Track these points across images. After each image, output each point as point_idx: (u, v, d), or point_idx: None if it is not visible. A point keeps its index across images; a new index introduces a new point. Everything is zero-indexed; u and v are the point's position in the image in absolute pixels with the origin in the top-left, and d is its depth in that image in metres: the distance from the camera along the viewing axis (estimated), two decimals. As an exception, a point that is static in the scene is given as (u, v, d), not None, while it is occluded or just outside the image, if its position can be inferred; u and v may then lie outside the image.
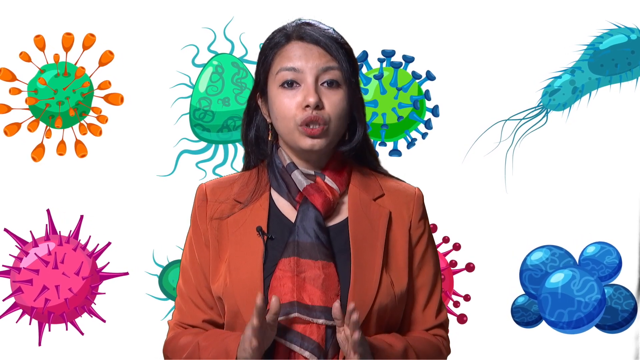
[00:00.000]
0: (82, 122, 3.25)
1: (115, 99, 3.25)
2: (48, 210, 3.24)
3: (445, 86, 3.28)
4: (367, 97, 3.24)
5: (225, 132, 3.27)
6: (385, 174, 2.02)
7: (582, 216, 3.26)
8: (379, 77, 3.28)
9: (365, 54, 3.27)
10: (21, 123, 3.24)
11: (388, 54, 3.27)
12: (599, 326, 3.27)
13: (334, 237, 1.88)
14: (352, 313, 1.72)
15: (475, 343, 3.24)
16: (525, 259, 3.28)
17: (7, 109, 3.23)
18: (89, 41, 3.23)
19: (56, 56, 3.23)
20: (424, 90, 3.29)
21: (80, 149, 3.24)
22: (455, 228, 3.27)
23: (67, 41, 3.23)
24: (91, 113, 3.25)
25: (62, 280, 3.22)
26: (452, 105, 3.28)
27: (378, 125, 3.28)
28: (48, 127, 3.24)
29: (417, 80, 3.29)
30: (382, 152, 3.25)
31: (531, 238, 3.28)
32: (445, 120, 3.29)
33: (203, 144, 3.27)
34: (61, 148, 3.24)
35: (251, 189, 1.94)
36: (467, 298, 3.28)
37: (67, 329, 3.23)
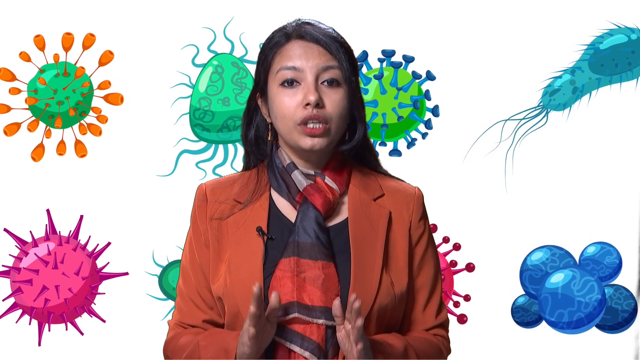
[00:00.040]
0: (82, 122, 3.25)
1: (115, 99, 3.25)
2: (48, 210, 3.23)
3: (445, 86, 3.28)
4: (367, 97, 3.24)
5: (225, 132, 3.26)
6: (385, 174, 2.02)
7: (582, 216, 3.26)
8: (379, 77, 3.27)
9: (365, 54, 3.26)
10: (21, 123, 3.24)
11: (388, 54, 3.27)
12: (599, 326, 3.27)
13: (334, 237, 1.88)
14: (355, 302, 1.72)
15: (476, 343, 3.24)
16: (525, 259, 3.28)
17: (7, 108, 3.23)
18: (88, 41, 3.23)
19: (56, 56, 3.23)
20: (424, 90, 3.29)
21: (80, 149, 3.24)
22: (455, 228, 3.26)
23: (67, 41, 3.22)
24: (91, 113, 3.25)
25: (62, 281, 3.22)
26: (452, 105, 3.28)
27: (378, 125, 3.28)
28: (48, 127, 3.24)
29: (417, 80, 3.29)
30: (382, 152, 3.25)
31: (531, 238, 3.28)
32: (446, 120, 3.29)
33: (203, 144, 3.27)
34: (61, 148, 3.24)
35: (251, 189, 1.93)
36: (467, 298, 3.27)
37: (67, 329, 3.23)
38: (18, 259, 3.22)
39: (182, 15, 3.24)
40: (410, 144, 3.29)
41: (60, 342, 3.23)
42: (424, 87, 3.29)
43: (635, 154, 3.26)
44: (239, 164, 3.21)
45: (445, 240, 3.27)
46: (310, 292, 1.81)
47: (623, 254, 3.27)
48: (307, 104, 1.85)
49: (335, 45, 1.89)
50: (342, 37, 1.92)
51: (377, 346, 1.81)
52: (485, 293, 3.27)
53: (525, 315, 3.28)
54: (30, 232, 3.23)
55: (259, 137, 1.98)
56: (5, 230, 3.22)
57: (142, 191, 3.23)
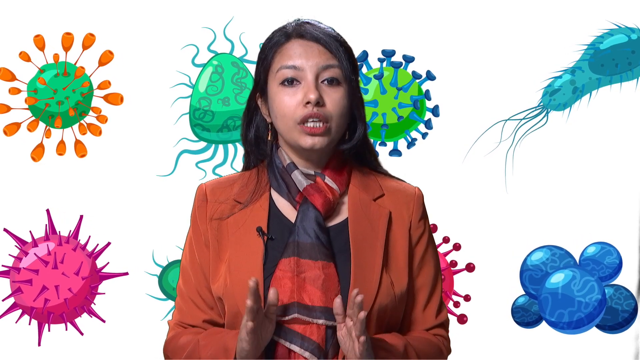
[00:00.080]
0: (82, 122, 3.25)
1: (115, 99, 3.24)
2: (48, 210, 3.23)
3: (445, 86, 3.28)
4: (367, 97, 3.24)
5: (225, 132, 3.26)
6: (385, 174, 2.01)
7: (582, 216, 3.26)
8: (379, 77, 3.27)
9: (365, 54, 3.26)
10: (21, 123, 3.23)
11: (388, 53, 3.27)
12: (599, 326, 3.27)
13: (334, 238, 1.88)
14: (357, 296, 1.72)
15: (476, 343, 3.24)
16: (525, 259, 3.28)
17: (6, 108, 3.22)
18: (88, 41, 3.23)
19: (56, 56, 3.23)
20: (424, 90, 3.29)
21: (80, 149, 3.24)
22: (456, 228, 3.26)
23: (67, 41, 3.22)
24: (91, 113, 3.25)
25: (62, 281, 3.22)
26: (452, 105, 3.28)
27: (378, 125, 3.28)
28: (48, 127, 3.24)
29: (417, 80, 3.29)
30: (382, 152, 3.24)
31: (531, 238, 3.27)
32: (446, 120, 3.28)
33: (203, 144, 3.27)
34: (61, 148, 3.24)
35: (251, 190, 1.93)
36: (467, 298, 3.27)
37: (66, 329, 3.23)
38: (18, 259, 3.22)
39: (182, 15, 3.24)
40: (410, 144, 3.29)
41: (60, 342, 3.23)
42: (424, 87, 3.29)
43: (635, 154, 3.26)
44: (239, 164, 3.21)
45: (446, 240, 3.26)
46: (310, 292, 1.81)
47: (623, 254, 3.27)
48: (308, 103, 1.85)
49: (335, 44, 1.89)
50: (341, 37, 1.93)
51: (377, 343, 1.81)
52: (485, 293, 3.27)
53: (525, 315, 3.28)
54: (30, 232, 3.23)
55: (259, 137, 1.98)
56: (5, 230, 3.22)
57: (142, 191, 3.23)
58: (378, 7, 3.26)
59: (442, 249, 3.24)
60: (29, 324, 3.22)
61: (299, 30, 1.90)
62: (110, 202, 3.23)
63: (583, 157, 3.26)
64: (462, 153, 3.27)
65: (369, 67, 3.28)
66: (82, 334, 3.23)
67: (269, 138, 1.96)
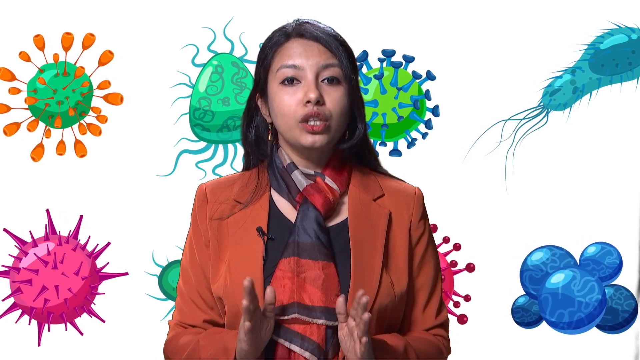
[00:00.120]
0: (82, 121, 3.25)
1: (114, 99, 3.24)
2: (47, 210, 3.23)
3: (445, 86, 3.28)
4: (367, 97, 3.24)
5: (225, 132, 3.26)
6: (385, 174, 2.01)
7: (582, 216, 3.26)
8: (379, 76, 3.27)
9: (365, 54, 3.26)
10: (20, 123, 3.23)
11: (388, 53, 3.27)
12: (599, 327, 3.26)
13: (334, 238, 1.88)
14: (362, 297, 1.71)
15: (476, 343, 3.24)
16: (525, 259, 3.28)
17: (6, 108, 3.22)
18: (88, 41, 3.22)
19: (56, 56, 3.23)
20: (424, 90, 3.29)
21: (80, 149, 3.24)
22: (456, 228, 3.26)
23: (67, 41, 3.22)
24: (91, 113, 3.25)
25: (62, 281, 3.22)
26: (453, 105, 3.28)
27: (378, 125, 3.28)
28: (47, 127, 3.24)
29: (418, 80, 3.28)
30: (382, 152, 3.24)
31: (531, 238, 3.27)
32: (446, 120, 3.28)
33: (203, 144, 3.27)
34: (61, 148, 3.24)
35: (251, 190, 1.93)
36: (467, 298, 3.27)
37: (66, 329, 3.23)
38: (18, 259, 3.22)
39: (182, 15, 3.24)
40: (411, 144, 3.29)
41: (59, 342, 3.22)
42: (424, 87, 3.29)
43: (635, 154, 3.26)
44: (239, 164, 3.21)
45: (446, 240, 3.26)
46: (310, 292, 1.81)
47: (623, 254, 3.27)
48: (308, 102, 1.85)
49: (335, 43, 1.89)
50: (341, 36, 1.93)
51: (378, 344, 1.81)
52: (485, 293, 3.27)
53: (525, 315, 3.27)
54: (30, 232, 3.23)
55: (259, 138, 1.98)
56: (4, 230, 3.22)
57: (142, 191, 3.23)
58: (378, 7, 3.25)
59: (442, 249, 3.24)
60: (29, 324, 3.22)
61: (299, 30, 1.90)
62: (110, 202, 3.23)
63: (583, 157, 3.26)
64: (462, 153, 3.27)
65: (369, 67, 3.28)
66: (82, 334, 3.23)
67: (269, 138, 1.96)
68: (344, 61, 1.89)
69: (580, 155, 3.26)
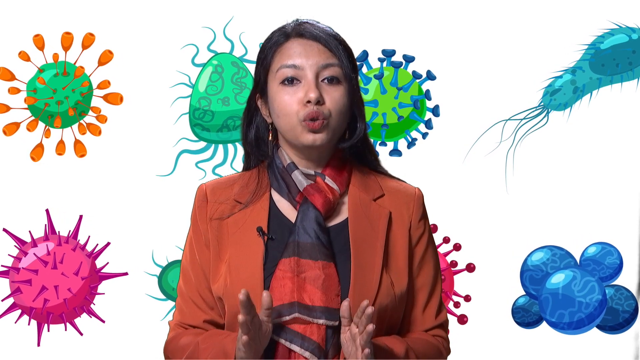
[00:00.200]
0: (82, 121, 3.24)
1: (114, 99, 3.24)
2: (47, 210, 3.23)
3: (445, 86, 3.27)
4: (367, 97, 3.24)
5: (225, 131, 3.26)
6: (386, 174, 2.01)
7: (583, 216, 3.26)
8: (379, 76, 3.27)
9: (365, 54, 3.26)
10: (20, 123, 3.23)
11: (388, 53, 3.27)
12: (599, 327, 3.26)
13: (334, 238, 1.88)
14: (367, 307, 1.71)
15: (476, 344, 3.24)
16: (525, 260, 3.28)
17: (6, 108, 3.22)
18: (88, 40, 3.22)
19: (55, 55, 3.23)
20: (424, 90, 3.29)
21: (80, 149, 3.24)
22: (456, 228, 3.26)
23: (67, 40, 3.22)
24: (90, 113, 3.24)
25: (61, 281, 3.22)
26: (453, 105, 3.28)
27: (378, 125, 3.27)
28: (47, 127, 3.24)
29: (418, 80, 3.28)
30: (382, 152, 3.24)
31: (532, 238, 3.27)
32: (446, 120, 3.28)
33: (203, 144, 3.26)
34: (60, 148, 3.23)
35: (251, 190, 1.93)
36: (467, 299, 3.27)
37: (66, 330, 3.22)
38: (17, 259, 3.22)
39: (182, 15, 3.24)
40: (411, 144, 3.29)
41: (59, 342, 3.22)
42: (424, 87, 3.29)
43: (635, 154, 3.26)
44: (239, 164, 3.21)
45: (446, 240, 3.26)
46: (310, 292, 1.81)
47: (624, 255, 3.27)
48: (308, 102, 1.84)
49: (334, 43, 1.89)
50: (340, 36, 1.93)
51: (380, 351, 1.81)
52: (485, 293, 3.27)
53: (525, 315, 3.27)
54: (30, 232, 3.23)
55: (259, 138, 1.98)
56: (4, 230, 3.22)
57: (142, 191, 3.23)
58: (378, 7, 3.25)
59: (442, 249, 3.24)
60: (29, 324, 3.21)
61: (299, 30, 1.90)
62: (110, 202, 3.22)
63: (583, 157, 3.26)
64: (463, 153, 3.26)
65: (369, 67, 3.28)
66: (81, 334, 3.23)
67: (269, 138, 1.96)
68: (344, 61, 1.89)
69: (581, 155, 3.26)
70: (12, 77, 3.22)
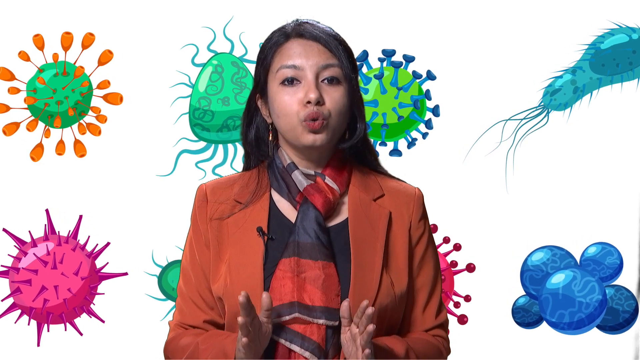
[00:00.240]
0: (81, 121, 3.24)
1: (114, 99, 3.24)
2: (47, 210, 3.23)
3: (445, 86, 3.27)
4: (367, 97, 3.24)
5: (225, 131, 3.26)
6: (386, 174, 2.01)
7: (583, 217, 3.26)
8: (379, 76, 3.27)
9: (365, 54, 3.26)
10: (20, 122, 3.23)
11: (388, 53, 3.26)
12: (600, 327, 3.26)
13: (334, 238, 1.88)
14: (368, 308, 1.71)
15: (476, 344, 3.24)
16: (526, 260, 3.28)
17: (6, 108, 3.22)
18: (88, 40, 3.22)
19: (55, 55, 3.22)
20: (424, 90, 3.28)
21: (80, 149, 3.24)
22: (456, 228, 3.26)
23: (66, 40, 3.22)
24: (90, 113, 3.24)
25: (61, 281, 3.21)
26: (453, 105, 3.27)
27: (378, 125, 3.27)
28: (47, 127, 3.23)
29: (418, 80, 3.28)
30: (382, 152, 3.24)
31: (532, 238, 3.27)
32: (446, 120, 3.28)
33: (202, 144, 3.26)
34: (60, 148, 3.23)
35: (251, 190, 1.93)
36: (467, 299, 3.27)
37: (66, 330, 3.22)
38: (17, 259, 3.21)
39: (182, 15, 3.24)
40: (411, 144, 3.29)
41: (59, 342, 3.22)
42: (424, 87, 3.29)
43: (635, 154, 3.26)
44: (238, 164, 3.21)
45: (446, 240, 3.26)
46: (310, 292, 1.81)
47: (624, 255, 3.27)
48: (308, 102, 1.84)
49: (334, 43, 1.89)
50: (340, 36, 1.92)
51: (381, 352, 1.81)
52: (485, 293, 3.27)
53: (525, 315, 3.27)
54: (29, 232, 3.23)
55: (259, 138, 1.97)
56: (4, 230, 3.22)
57: (142, 191, 3.23)
58: (378, 7, 3.25)
59: (442, 249, 3.24)
60: (28, 324, 3.21)
61: (299, 30, 1.90)
62: (110, 202, 3.22)
63: (584, 157, 3.25)
64: (463, 153, 3.26)
65: (369, 67, 3.28)
66: (81, 334, 3.23)
67: (269, 139, 1.96)
68: (344, 61, 1.88)
69: (581, 155, 3.26)
70: (12, 77, 3.22)
